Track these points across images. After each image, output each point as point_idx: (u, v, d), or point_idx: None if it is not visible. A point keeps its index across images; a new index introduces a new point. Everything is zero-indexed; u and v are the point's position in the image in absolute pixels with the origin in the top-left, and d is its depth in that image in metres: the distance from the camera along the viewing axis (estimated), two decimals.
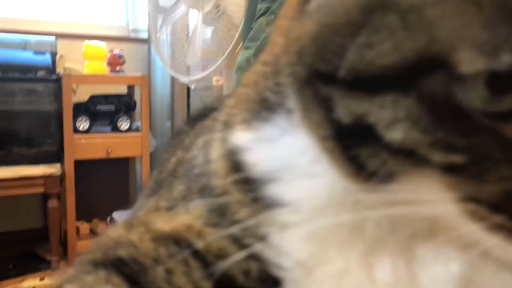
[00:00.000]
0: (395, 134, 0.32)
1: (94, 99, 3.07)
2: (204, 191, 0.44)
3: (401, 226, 0.38)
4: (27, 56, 2.95)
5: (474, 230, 0.33)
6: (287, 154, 0.41)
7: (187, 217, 0.44)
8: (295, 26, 0.39)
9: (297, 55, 0.37)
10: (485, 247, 0.34)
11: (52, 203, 2.81)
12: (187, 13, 2.09)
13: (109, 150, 2.95)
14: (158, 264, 0.40)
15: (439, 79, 0.30)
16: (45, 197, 2.93)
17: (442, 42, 0.30)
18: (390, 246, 0.38)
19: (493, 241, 0.33)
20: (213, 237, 0.41)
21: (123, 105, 3.10)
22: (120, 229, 0.45)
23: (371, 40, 0.32)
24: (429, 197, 0.34)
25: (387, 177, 0.33)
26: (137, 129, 3.08)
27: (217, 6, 1.95)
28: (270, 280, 0.40)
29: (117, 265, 0.40)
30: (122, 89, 3.25)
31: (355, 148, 0.34)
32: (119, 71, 3.06)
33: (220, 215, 0.42)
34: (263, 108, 0.44)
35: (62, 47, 3.12)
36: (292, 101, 0.39)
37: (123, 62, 3.07)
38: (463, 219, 0.33)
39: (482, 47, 0.29)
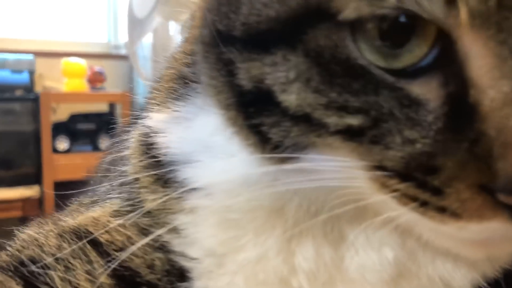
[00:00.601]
0: (290, 97, 0.31)
1: (74, 118, 2.99)
2: (121, 180, 0.42)
3: (323, 207, 0.35)
4: (4, 75, 2.87)
5: (384, 201, 0.31)
6: (202, 133, 0.38)
7: (100, 210, 0.41)
8: None
9: (203, 17, 0.35)
10: (402, 222, 0.32)
11: None
12: (163, 24, 2.02)
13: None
14: (58, 262, 0.39)
15: (324, 31, 0.29)
16: (23, 220, 2.81)
17: None
18: (314, 230, 0.35)
19: (406, 214, 0.31)
20: (117, 228, 0.39)
21: (105, 123, 3.00)
22: (30, 229, 0.43)
23: None
24: (338, 166, 0.31)
25: (294, 148, 0.32)
26: None
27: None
28: (178, 272, 0.38)
29: (18, 268, 0.39)
30: (104, 107, 3.17)
31: (258, 117, 0.32)
32: (99, 89, 2.98)
33: (131, 204, 0.40)
34: (180, 85, 0.41)
35: (42, 65, 3.04)
36: (202, 69, 0.36)
37: (104, 79, 2.99)
38: (372, 189, 0.31)
39: None
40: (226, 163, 0.37)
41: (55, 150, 2.81)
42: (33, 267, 0.38)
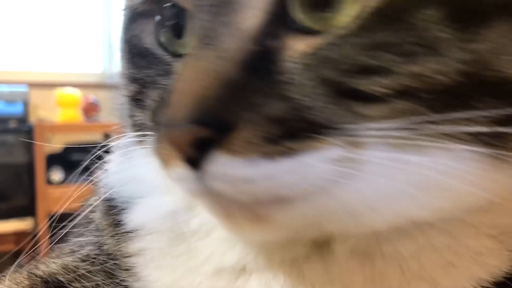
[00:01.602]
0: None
1: (69, 148, 2.95)
2: (92, 225, 0.43)
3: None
4: None
5: None
6: (137, 166, 0.39)
7: (71, 256, 0.41)
8: None
9: None
10: None
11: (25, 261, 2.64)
12: None
13: None
14: None
15: (132, 24, 0.38)
16: (17, 254, 2.75)
17: None
18: (257, 262, 0.34)
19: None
20: (85, 274, 0.39)
21: (100, 154, 2.97)
22: (4, 283, 0.43)
23: None
24: None
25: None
26: None
27: None
28: None
29: None
30: (99, 137, 3.14)
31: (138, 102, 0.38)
32: (94, 119, 2.95)
33: (98, 248, 0.40)
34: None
35: (36, 96, 3.02)
36: None
37: (98, 109, 2.97)
38: None
39: None
40: (154, 200, 0.38)
41: (49, 182, 2.76)
42: None
